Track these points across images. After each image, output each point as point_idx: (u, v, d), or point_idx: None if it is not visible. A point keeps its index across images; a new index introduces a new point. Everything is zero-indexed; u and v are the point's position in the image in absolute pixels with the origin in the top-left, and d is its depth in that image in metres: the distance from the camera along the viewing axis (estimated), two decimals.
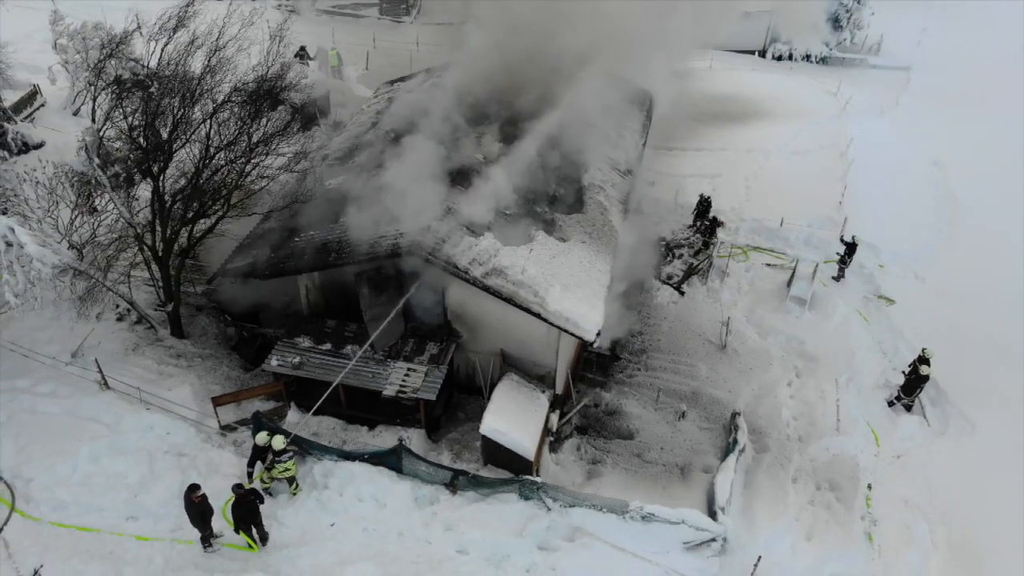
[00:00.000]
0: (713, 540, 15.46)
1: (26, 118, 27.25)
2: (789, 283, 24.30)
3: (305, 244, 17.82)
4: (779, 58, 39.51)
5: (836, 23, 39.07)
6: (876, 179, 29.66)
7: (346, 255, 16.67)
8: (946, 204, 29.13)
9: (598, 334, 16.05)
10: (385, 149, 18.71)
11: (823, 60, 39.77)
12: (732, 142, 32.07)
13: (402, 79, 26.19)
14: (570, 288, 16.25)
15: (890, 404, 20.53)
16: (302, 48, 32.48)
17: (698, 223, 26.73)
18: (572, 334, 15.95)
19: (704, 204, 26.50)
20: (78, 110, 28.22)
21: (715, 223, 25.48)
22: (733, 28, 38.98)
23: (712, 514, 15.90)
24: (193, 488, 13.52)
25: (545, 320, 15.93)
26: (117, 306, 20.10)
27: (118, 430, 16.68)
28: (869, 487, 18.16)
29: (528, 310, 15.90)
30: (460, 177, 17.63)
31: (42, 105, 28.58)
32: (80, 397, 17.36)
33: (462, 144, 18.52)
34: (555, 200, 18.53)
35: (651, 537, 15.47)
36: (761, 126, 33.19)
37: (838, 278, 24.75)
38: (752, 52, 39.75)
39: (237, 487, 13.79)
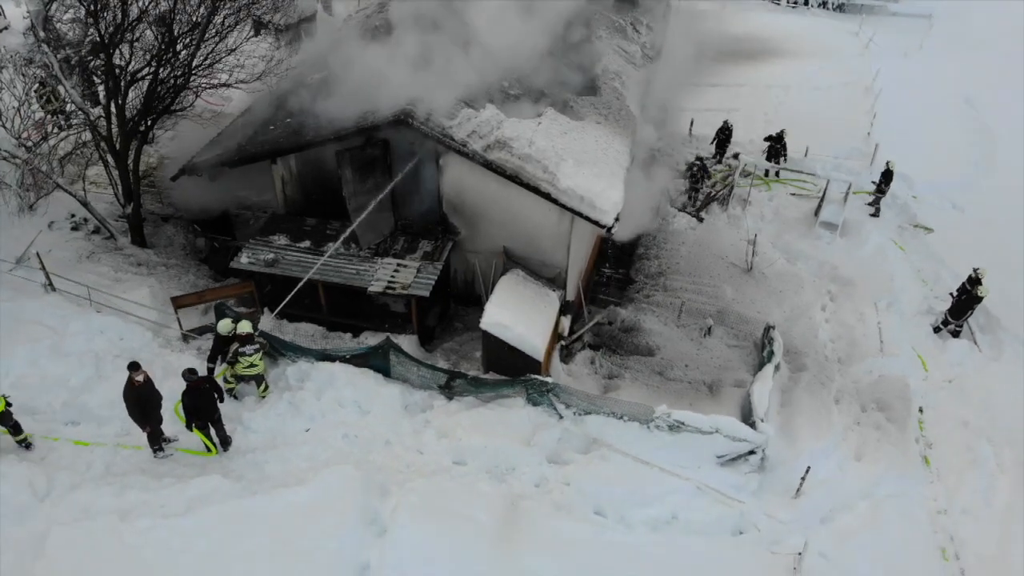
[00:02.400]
0: (752, 452, 13.30)
1: None
2: (817, 211, 22.23)
3: (280, 130, 15.65)
4: (795, 4, 37.44)
5: None
6: (905, 113, 27.67)
7: (325, 132, 14.47)
8: (981, 136, 27.19)
9: (617, 219, 13.86)
10: (375, 34, 16.53)
11: (840, 7, 37.74)
12: (749, 78, 30.07)
13: None
14: (585, 164, 14.07)
15: (936, 330, 18.44)
16: None
17: (718, 154, 24.69)
18: (587, 218, 13.76)
19: (725, 133, 24.44)
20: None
21: (778, 138, 23.30)
22: None
23: (750, 425, 13.70)
24: (133, 367, 11.27)
25: (555, 201, 13.75)
26: (72, 215, 17.93)
27: (63, 333, 14.44)
28: (920, 411, 16.08)
29: (536, 189, 13.74)
30: (458, 53, 15.42)
31: (5, 28, 26.36)
32: (22, 300, 15.13)
33: (461, 27, 16.31)
34: (566, 82, 16.34)
35: (680, 449, 13.33)
36: (779, 63, 31.20)
37: (875, 214, 22.57)
38: None
39: (189, 372, 11.55)
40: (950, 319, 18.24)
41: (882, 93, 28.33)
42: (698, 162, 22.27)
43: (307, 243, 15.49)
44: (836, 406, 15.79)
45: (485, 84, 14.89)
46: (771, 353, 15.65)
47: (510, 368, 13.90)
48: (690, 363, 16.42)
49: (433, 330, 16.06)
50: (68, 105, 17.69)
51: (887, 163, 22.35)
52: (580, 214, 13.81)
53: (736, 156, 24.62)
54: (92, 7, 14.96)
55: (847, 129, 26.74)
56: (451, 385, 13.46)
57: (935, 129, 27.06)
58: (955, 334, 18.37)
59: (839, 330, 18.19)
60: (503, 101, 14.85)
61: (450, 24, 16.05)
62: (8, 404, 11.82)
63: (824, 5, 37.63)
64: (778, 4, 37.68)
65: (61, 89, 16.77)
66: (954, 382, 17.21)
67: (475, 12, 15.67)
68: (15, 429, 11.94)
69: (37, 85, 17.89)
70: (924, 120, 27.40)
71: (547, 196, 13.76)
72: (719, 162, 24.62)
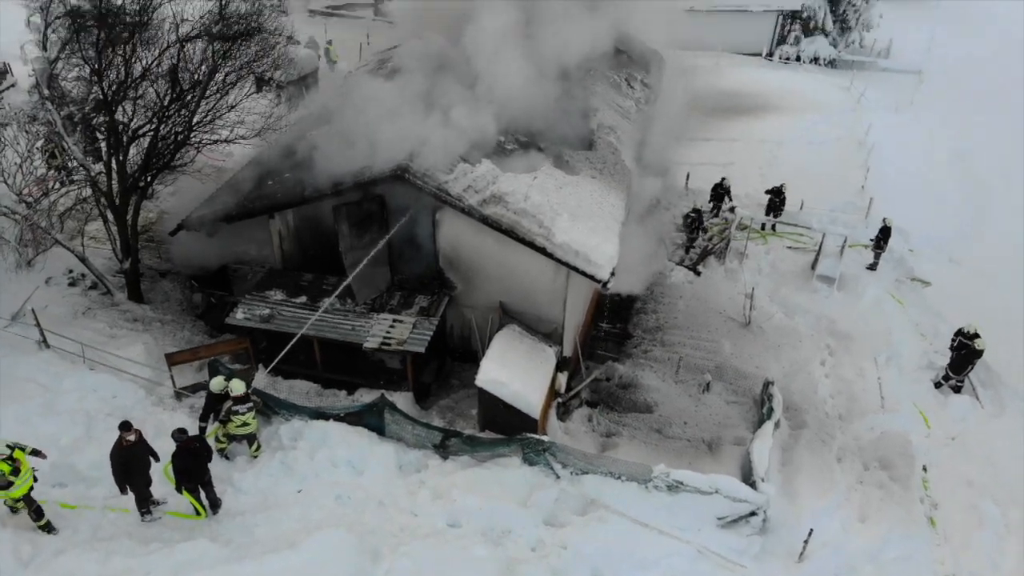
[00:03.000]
0: (753, 514, 13.00)
1: None
2: (814, 265, 22.30)
3: (279, 185, 15.76)
4: (787, 60, 38.18)
5: (844, 24, 37.90)
6: (898, 167, 27.96)
7: (323, 186, 14.55)
8: (975, 191, 27.44)
9: (612, 273, 13.84)
10: (374, 89, 16.73)
11: (832, 63, 38.50)
12: (743, 133, 30.46)
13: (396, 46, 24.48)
14: (580, 218, 14.11)
15: (937, 385, 18.27)
16: (290, 37, 31.07)
17: (715, 207, 24.80)
18: (583, 272, 13.74)
19: (722, 189, 24.58)
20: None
21: (777, 192, 23.55)
22: (738, 30, 38.07)
23: (750, 485, 13.44)
24: (125, 427, 11.10)
25: (550, 256, 13.74)
26: (70, 271, 17.93)
27: (56, 391, 14.34)
28: (924, 469, 15.82)
29: (532, 244, 13.74)
30: (455, 108, 15.61)
31: (12, 85, 26.84)
32: (15, 357, 15.03)
33: (458, 82, 16.55)
34: (561, 137, 16.51)
35: (679, 510, 13.05)
36: (773, 118, 31.63)
37: (873, 266, 22.57)
38: (758, 54, 38.47)
39: (179, 432, 11.37)
40: (951, 374, 18.10)
41: (875, 147, 28.67)
42: (694, 214, 22.40)
43: (303, 298, 15.45)
44: (838, 464, 15.58)
45: (481, 139, 15.03)
46: (770, 410, 15.48)
47: (506, 426, 13.70)
48: (689, 420, 16.21)
49: (429, 387, 15.90)
50: (71, 161, 17.87)
51: (884, 220, 22.44)
52: (575, 268, 13.81)
53: (732, 209, 24.78)
54: (97, 66, 15.24)
55: (841, 183, 26.97)
56: (446, 444, 13.26)
57: (929, 183, 27.28)
58: (956, 389, 18.21)
59: (839, 385, 18.05)
60: (499, 156, 15.01)
61: (447, 80, 16.32)
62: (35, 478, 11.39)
63: (816, 61, 38.33)
64: (771, 60, 38.42)
65: (64, 145, 16.96)
66: (957, 439, 16.99)
67: (471, 68, 15.92)
68: (37, 513, 11.54)
69: (42, 141, 18.07)
70: (918, 174, 27.65)
71: (542, 250, 13.77)
72: (715, 215, 24.74)
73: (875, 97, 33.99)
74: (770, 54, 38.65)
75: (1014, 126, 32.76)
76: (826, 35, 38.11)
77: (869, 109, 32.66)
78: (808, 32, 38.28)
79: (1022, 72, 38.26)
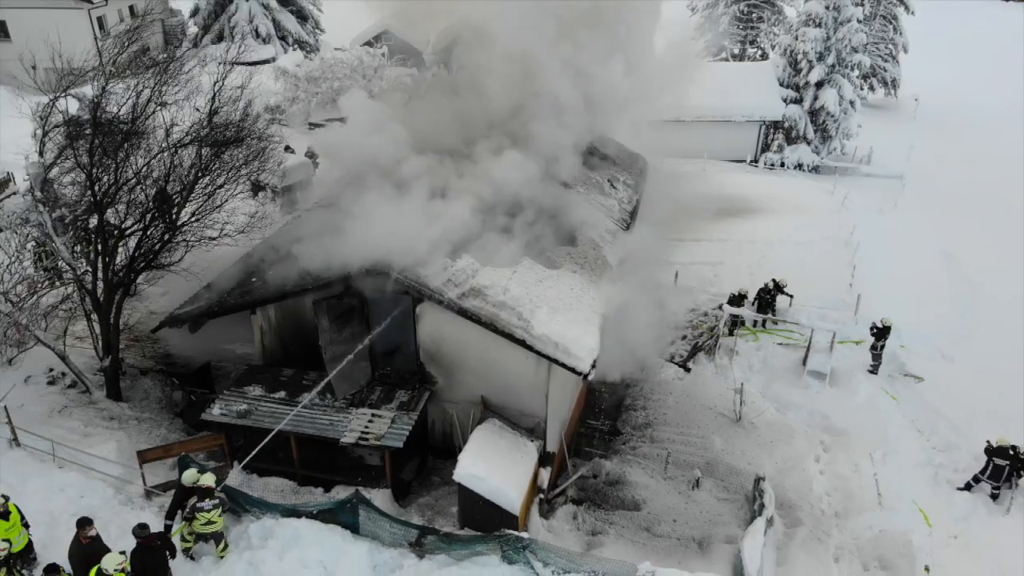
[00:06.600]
0: None
1: None
2: (804, 360, 22.13)
3: (262, 281, 15.88)
4: (772, 166, 39.32)
5: (825, 133, 39.28)
6: (885, 266, 28.15)
7: (302, 281, 14.66)
8: (965, 289, 27.60)
9: (593, 364, 13.71)
10: (357, 187, 17.18)
11: (815, 169, 39.58)
12: (731, 234, 30.88)
13: None
14: (559, 311, 14.12)
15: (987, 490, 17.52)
16: (287, 147, 32.24)
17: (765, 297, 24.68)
18: (562, 364, 13.61)
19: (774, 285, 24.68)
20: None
21: (767, 289, 24.14)
22: (722, 138, 39.51)
23: None
24: (84, 524, 10.67)
25: (530, 348, 13.66)
26: (51, 369, 17.79)
27: (20, 491, 13.83)
28: (927, 569, 15.14)
29: (511, 336, 13.68)
30: (434, 203, 15.97)
31: (13, 193, 27.53)
32: None
33: (437, 176, 16.99)
34: (542, 234, 16.76)
35: None
36: (760, 220, 32.16)
37: (874, 369, 22.25)
38: (743, 161, 39.67)
39: (140, 528, 10.92)
40: (984, 479, 17.49)
41: (861, 247, 29.00)
42: (737, 293, 23.30)
43: (282, 394, 15.25)
44: (836, 564, 14.98)
45: (461, 233, 15.26)
46: (762, 506, 14.95)
47: (486, 523, 13.20)
48: (678, 518, 15.64)
49: (409, 484, 15.43)
50: (59, 262, 18.10)
51: (882, 320, 22.05)
52: (555, 360, 13.69)
53: (720, 307, 24.82)
54: (91, 171, 15.71)
55: (829, 281, 27.04)
56: (422, 542, 12.71)
57: (917, 281, 27.42)
58: (994, 497, 17.52)
59: (835, 482, 17.54)
60: (479, 250, 15.18)
61: (427, 174, 16.73)
62: None
63: (800, 167, 39.42)
64: (756, 166, 39.55)
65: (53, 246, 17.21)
66: (960, 538, 16.36)
67: (452, 163, 16.37)
68: None
69: (33, 243, 18.33)
70: (905, 272, 27.84)
71: (521, 343, 13.71)
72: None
73: (859, 200, 34.70)
74: (755, 161, 39.81)
75: (997, 227, 33.51)
76: (808, 143, 39.39)
77: (854, 211, 33.29)
78: (791, 140, 39.60)
79: (1000, 175, 39.59)
